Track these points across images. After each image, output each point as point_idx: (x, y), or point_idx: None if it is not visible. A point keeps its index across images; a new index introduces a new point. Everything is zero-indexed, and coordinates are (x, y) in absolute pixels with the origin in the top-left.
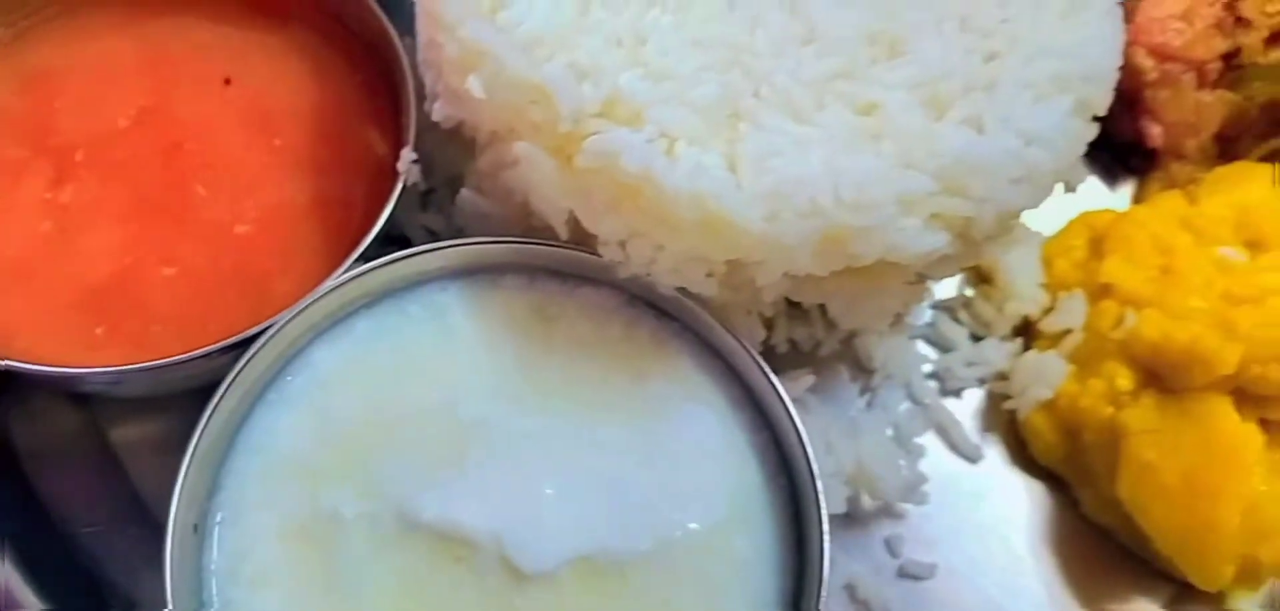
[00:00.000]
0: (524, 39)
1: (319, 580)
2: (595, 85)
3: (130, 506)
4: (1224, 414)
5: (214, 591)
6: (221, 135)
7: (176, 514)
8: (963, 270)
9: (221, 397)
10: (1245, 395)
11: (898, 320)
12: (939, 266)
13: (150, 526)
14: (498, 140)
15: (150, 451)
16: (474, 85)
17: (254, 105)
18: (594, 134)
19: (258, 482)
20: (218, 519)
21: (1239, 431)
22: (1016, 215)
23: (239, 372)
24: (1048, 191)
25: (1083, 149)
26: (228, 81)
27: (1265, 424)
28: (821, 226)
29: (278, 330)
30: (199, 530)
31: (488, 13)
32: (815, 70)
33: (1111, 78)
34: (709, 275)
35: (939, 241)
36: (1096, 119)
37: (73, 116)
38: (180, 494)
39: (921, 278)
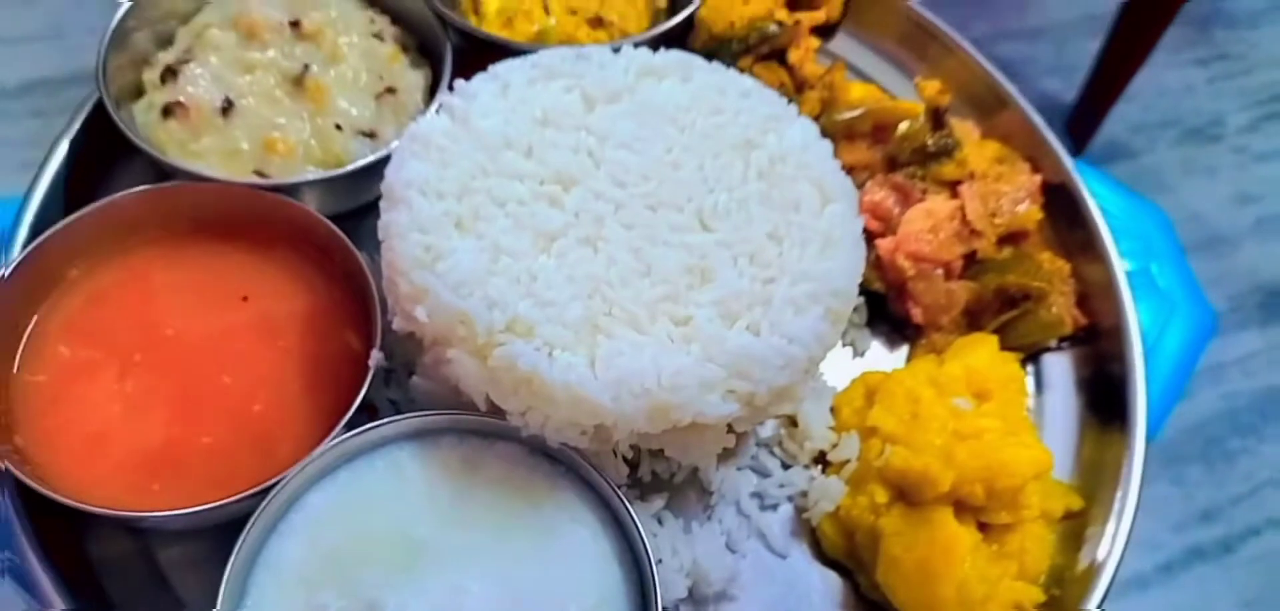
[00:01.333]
0: (453, 281)
1: None
2: (501, 312)
3: (166, 600)
4: (945, 520)
5: None
6: (241, 339)
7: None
8: (758, 423)
9: (247, 532)
10: (963, 505)
11: (728, 455)
12: (738, 423)
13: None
14: (437, 345)
15: (189, 568)
16: (420, 312)
17: (264, 316)
18: (501, 345)
19: (272, 591)
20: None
21: (956, 532)
22: (786, 389)
23: (259, 514)
24: (808, 373)
25: (833, 342)
26: (245, 298)
27: (983, 526)
28: (650, 403)
29: (285, 483)
30: None
31: (428, 263)
32: (650, 295)
33: (853, 292)
34: (583, 434)
35: (731, 409)
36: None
37: (131, 328)
38: (222, 601)
39: (731, 429)
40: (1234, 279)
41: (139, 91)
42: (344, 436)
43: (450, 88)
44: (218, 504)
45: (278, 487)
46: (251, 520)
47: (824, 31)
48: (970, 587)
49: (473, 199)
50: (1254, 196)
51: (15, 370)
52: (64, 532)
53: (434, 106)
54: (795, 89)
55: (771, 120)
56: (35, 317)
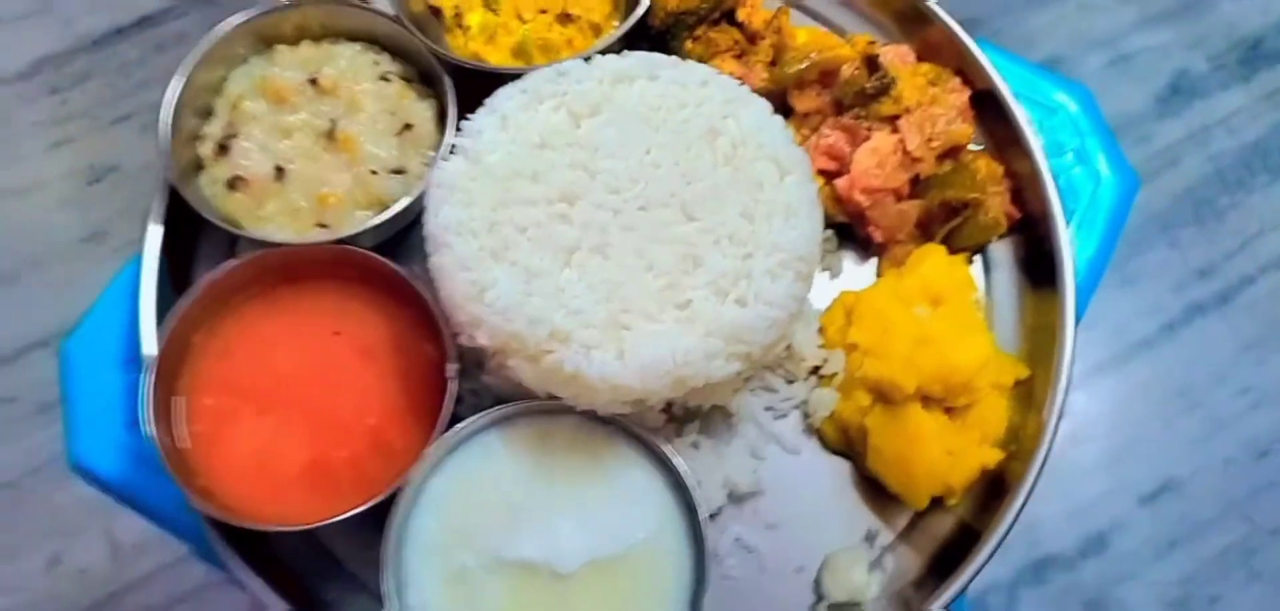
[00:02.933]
0: (500, 308)
1: (462, 601)
2: (543, 327)
3: (343, 577)
4: (915, 413)
5: None
6: (344, 366)
7: (386, 582)
8: (759, 368)
9: (392, 518)
10: (929, 399)
11: (742, 386)
12: (744, 373)
13: (349, 583)
14: (499, 354)
15: (346, 538)
16: (480, 336)
17: (358, 344)
18: (548, 352)
19: (419, 560)
20: (405, 579)
21: (924, 421)
22: (776, 341)
23: (399, 503)
24: (786, 324)
25: (805, 295)
26: (337, 333)
27: (948, 410)
28: (670, 378)
29: (413, 478)
30: (397, 585)
31: (476, 296)
32: (655, 287)
33: (817, 253)
34: (624, 405)
35: (734, 368)
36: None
37: (255, 372)
38: (385, 570)
39: (739, 375)
40: (1214, 38)
41: (196, 164)
42: (446, 435)
43: (458, 126)
44: (368, 504)
45: (410, 479)
46: (393, 508)
47: None
48: (939, 462)
49: (500, 231)
50: None
51: (181, 428)
52: (246, 538)
53: (447, 145)
54: (749, 41)
55: (729, 104)
56: (180, 382)
